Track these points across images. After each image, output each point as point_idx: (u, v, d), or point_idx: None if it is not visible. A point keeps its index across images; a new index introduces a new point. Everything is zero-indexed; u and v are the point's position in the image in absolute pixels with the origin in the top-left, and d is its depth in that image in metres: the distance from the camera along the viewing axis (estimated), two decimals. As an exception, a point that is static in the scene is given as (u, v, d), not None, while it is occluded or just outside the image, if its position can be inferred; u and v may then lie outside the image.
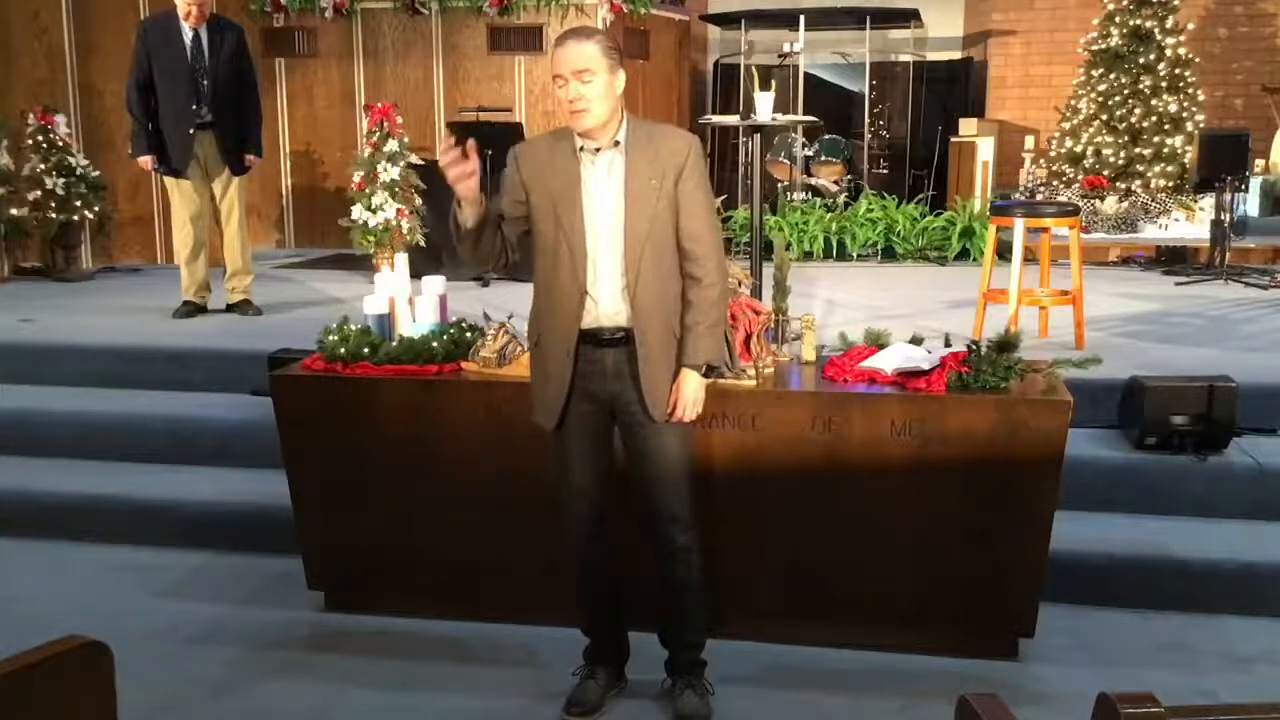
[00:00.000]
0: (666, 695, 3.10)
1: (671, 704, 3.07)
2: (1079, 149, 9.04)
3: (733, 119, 5.57)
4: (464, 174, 2.72)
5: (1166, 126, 8.83)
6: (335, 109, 9.03)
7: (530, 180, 2.84)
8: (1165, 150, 8.80)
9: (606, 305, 2.83)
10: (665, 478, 2.92)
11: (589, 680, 3.13)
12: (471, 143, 2.73)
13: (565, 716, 3.07)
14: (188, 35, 5.89)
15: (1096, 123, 8.98)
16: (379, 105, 7.43)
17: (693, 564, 2.99)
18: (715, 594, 3.20)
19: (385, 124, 7.26)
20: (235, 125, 6.05)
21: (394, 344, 3.65)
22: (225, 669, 3.40)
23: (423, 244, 7.22)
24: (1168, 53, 8.85)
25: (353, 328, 3.74)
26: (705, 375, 2.91)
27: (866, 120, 10.78)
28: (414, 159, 7.46)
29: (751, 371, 3.40)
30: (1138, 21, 8.85)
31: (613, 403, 2.91)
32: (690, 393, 2.87)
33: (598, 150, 2.80)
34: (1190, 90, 8.91)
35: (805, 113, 9.96)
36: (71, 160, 7.85)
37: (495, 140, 7.15)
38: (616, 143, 2.80)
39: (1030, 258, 5.50)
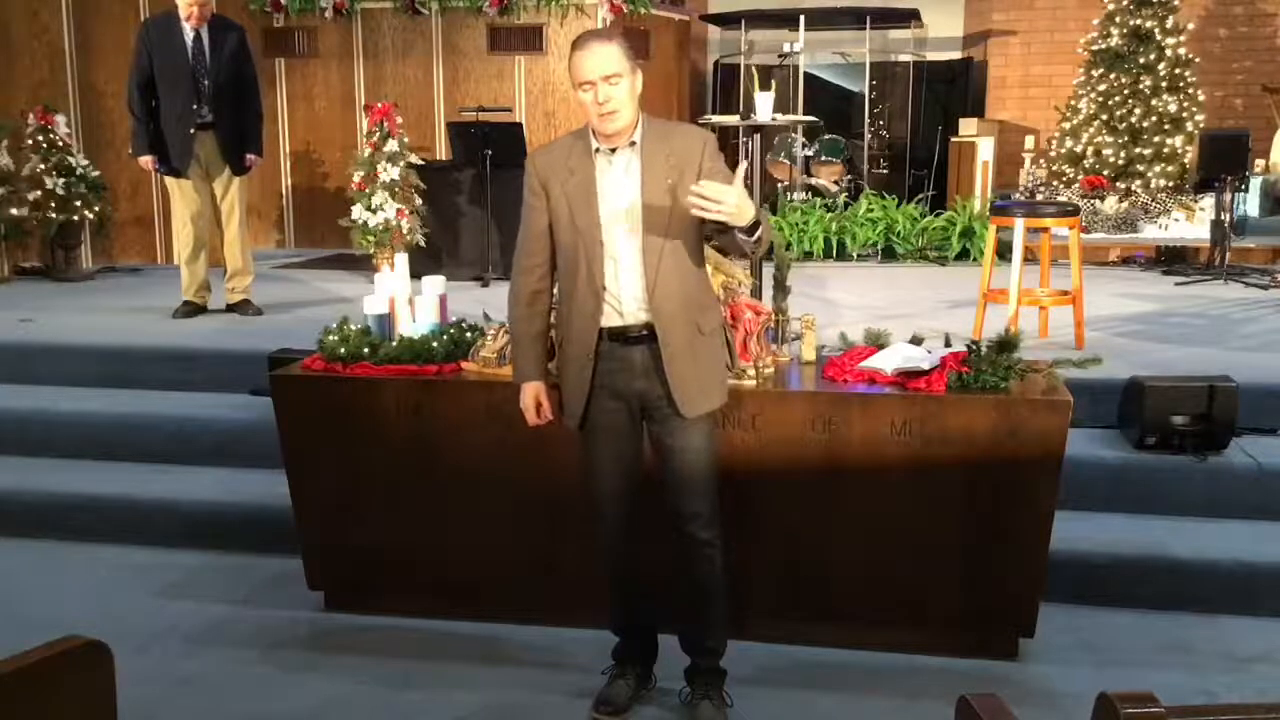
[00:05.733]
0: (684, 703, 3.07)
1: (688, 712, 3.04)
2: (1079, 149, 9.03)
3: (733, 119, 5.56)
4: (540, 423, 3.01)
5: (1166, 126, 8.82)
6: (335, 109, 9.03)
7: (547, 183, 2.85)
8: (1165, 150, 8.79)
9: (629, 304, 2.82)
10: (690, 475, 2.90)
11: (618, 680, 3.11)
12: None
13: (595, 715, 3.05)
14: (189, 35, 5.89)
15: (1096, 123, 8.97)
16: (379, 105, 7.44)
17: (715, 561, 2.97)
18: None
19: (385, 124, 7.26)
20: (236, 125, 6.05)
21: (394, 344, 3.65)
22: (225, 669, 3.40)
23: (423, 244, 7.22)
24: (1168, 53, 8.83)
25: (353, 328, 3.74)
26: (749, 230, 2.69)
27: (866, 120, 10.77)
28: (414, 159, 7.46)
29: (751, 372, 3.40)
30: (1138, 21, 8.84)
31: (641, 400, 2.89)
32: (733, 194, 2.60)
33: (614, 150, 2.80)
34: (1190, 90, 8.90)
35: (805, 113, 9.96)
36: (71, 160, 7.85)
37: (495, 140, 7.17)
38: (632, 143, 2.80)
39: (1030, 258, 5.50)
